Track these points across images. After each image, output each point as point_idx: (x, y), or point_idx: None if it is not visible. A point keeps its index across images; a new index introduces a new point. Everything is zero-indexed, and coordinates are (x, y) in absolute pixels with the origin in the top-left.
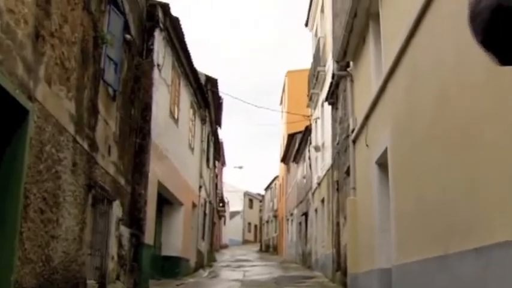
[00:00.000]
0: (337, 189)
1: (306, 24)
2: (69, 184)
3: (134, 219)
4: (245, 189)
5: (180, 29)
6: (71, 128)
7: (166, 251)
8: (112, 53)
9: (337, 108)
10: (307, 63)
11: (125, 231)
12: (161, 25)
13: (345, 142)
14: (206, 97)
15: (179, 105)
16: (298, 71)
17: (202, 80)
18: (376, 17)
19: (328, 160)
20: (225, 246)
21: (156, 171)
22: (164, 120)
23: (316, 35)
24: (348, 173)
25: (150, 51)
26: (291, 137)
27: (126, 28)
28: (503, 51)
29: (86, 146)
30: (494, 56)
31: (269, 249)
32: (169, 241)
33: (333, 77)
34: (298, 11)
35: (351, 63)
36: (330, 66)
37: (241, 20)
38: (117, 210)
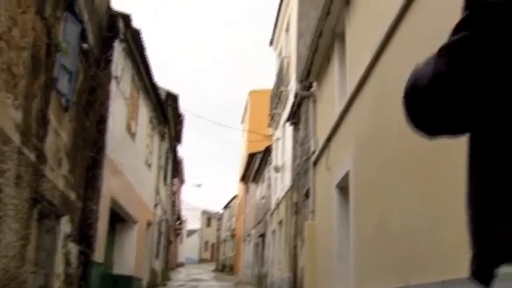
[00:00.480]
0: (296, 212)
1: (271, 43)
2: (11, 198)
3: (84, 236)
4: (204, 207)
5: (141, 41)
6: (16, 138)
7: (118, 270)
8: (67, 61)
9: (298, 129)
10: (270, 83)
11: (74, 248)
12: (121, 36)
13: (305, 164)
14: (166, 113)
15: (137, 119)
16: (261, 91)
17: (163, 95)
18: (342, 36)
19: (288, 181)
20: (181, 265)
21: (109, 186)
22: (120, 135)
23: (280, 54)
24: (307, 195)
25: (108, 62)
26: (251, 157)
27: (83, 37)
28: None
29: (32, 157)
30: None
31: (225, 268)
32: (122, 259)
33: (295, 97)
34: (265, 30)
35: (315, 83)
36: (293, 87)
37: (207, 38)
38: (65, 226)
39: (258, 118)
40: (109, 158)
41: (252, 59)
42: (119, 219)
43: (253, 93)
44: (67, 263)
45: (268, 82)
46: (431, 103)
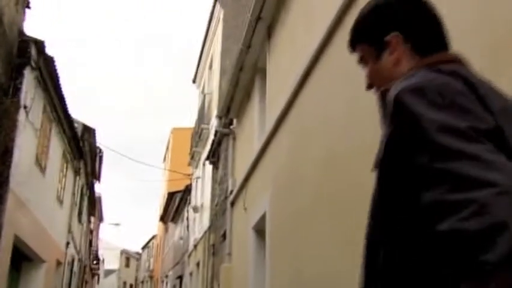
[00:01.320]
0: (213, 254)
1: (194, 81)
2: None
3: None
4: (122, 247)
5: (55, 69)
6: None
7: None
8: None
9: (217, 168)
10: (193, 121)
11: None
12: (33, 63)
13: (223, 204)
14: (81, 147)
15: (48, 153)
16: (184, 129)
17: (79, 129)
18: (263, 72)
19: (206, 222)
20: None
21: (13, 222)
22: (28, 168)
23: (203, 91)
24: (224, 237)
25: (17, 90)
26: (170, 196)
27: None
28: None
29: None
30: None
31: None
32: None
33: (215, 135)
34: (190, 67)
35: (235, 120)
36: (213, 124)
37: (132, 75)
38: None
39: (179, 156)
40: (14, 192)
41: (176, 97)
42: (24, 258)
43: (176, 131)
44: None
45: (191, 121)
46: None
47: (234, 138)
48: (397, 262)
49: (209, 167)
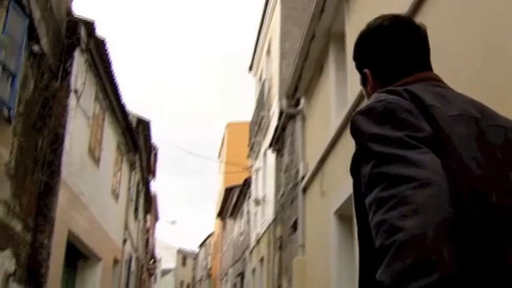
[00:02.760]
0: (280, 247)
1: (250, 69)
2: None
3: (33, 275)
4: (179, 246)
5: (107, 53)
6: None
7: None
8: (10, 61)
9: (282, 155)
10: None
11: None
12: (83, 45)
13: (291, 192)
14: (136, 140)
15: (102, 143)
16: (239, 124)
17: (134, 121)
18: (339, 37)
19: (270, 215)
20: None
21: (66, 217)
22: (81, 158)
23: (260, 79)
24: (295, 227)
25: (67, 73)
26: (228, 191)
27: (32, 36)
28: None
29: None
30: None
31: None
32: None
33: (279, 119)
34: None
35: (302, 100)
36: (275, 111)
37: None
38: (6, 262)
39: (235, 151)
40: (65, 184)
41: (229, 91)
42: (80, 256)
43: (231, 126)
44: None
45: (245, 115)
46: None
47: (304, 119)
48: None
49: (271, 156)
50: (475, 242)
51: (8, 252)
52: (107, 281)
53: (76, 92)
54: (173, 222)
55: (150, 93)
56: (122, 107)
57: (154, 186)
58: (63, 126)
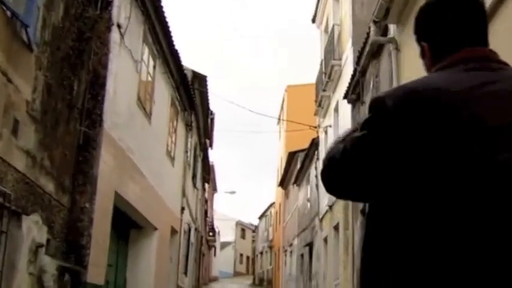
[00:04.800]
0: (362, 211)
1: (313, 21)
2: None
3: (72, 246)
4: (237, 218)
5: None
6: None
7: None
8: None
9: (363, 103)
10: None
11: (52, 264)
12: None
13: None
14: (192, 96)
15: (153, 95)
16: (299, 86)
17: (189, 76)
18: None
19: None
20: (215, 279)
21: (112, 177)
22: (129, 109)
23: (326, 28)
24: None
25: (108, 3)
26: (291, 156)
27: None
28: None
29: None
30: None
31: (263, 283)
32: (137, 278)
33: (357, 62)
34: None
35: (392, 28)
36: (348, 57)
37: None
38: (33, 230)
39: (296, 116)
40: (109, 137)
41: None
42: (132, 224)
43: (290, 88)
44: (40, 287)
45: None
46: (339, 175)
47: (397, 49)
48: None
49: (346, 109)
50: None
51: (36, 217)
52: (163, 253)
53: (119, 26)
54: (232, 193)
55: (203, 60)
56: (175, 55)
57: (212, 155)
58: (105, 66)
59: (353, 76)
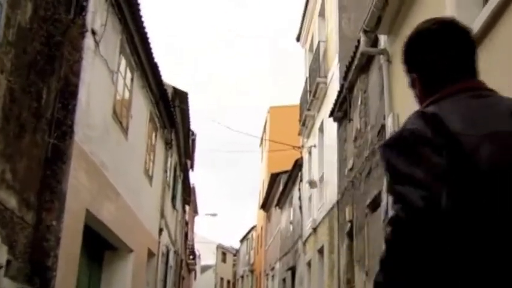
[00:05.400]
0: (349, 234)
1: (298, 39)
2: None
3: (37, 267)
4: (218, 241)
5: None
6: None
7: None
8: None
9: (350, 120)
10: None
11: (12, 287)
12: None
13: (367, 162)
14: (173, 113)
15: (130, 109)
16: (282, 107)
17: (169, 92)
18: None
19: (332, 196)
20: None
21: (82, 193)
22: (103, 122)
23: (311, 48)
24: (373, 206)
25: (82, 8)
26: (274, 177)
27: None
28: None
29: None
30: None
31: None
32: None
33: (344, 78)
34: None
35: (383, 39)
36: (334, 74)
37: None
38: None
39: (279, 137)
40: (81, 150)
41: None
42: (106, 246)
43: (273, 110)
44: None
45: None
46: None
47: (389, 61)
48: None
49: (331, 128)
50: None
51: None
52: (139, 276)
53: (94, 33)
54: (213, 215)
55: (183, 74)
56: (154, 69)
57: (193, 177)
58: (77, 74)
59: (339, 92)
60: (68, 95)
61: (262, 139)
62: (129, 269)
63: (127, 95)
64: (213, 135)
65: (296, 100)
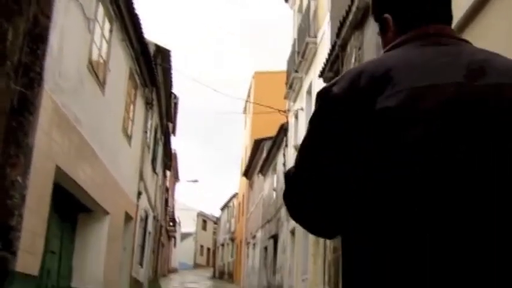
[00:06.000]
0: None
1: (286, 0)
2: None
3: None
4: (199, 209)
5: None
6: None
7: (78, 283)
8: None
9: None
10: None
11: None
12: None
13: None
14: (154, 71)
15: (108, 63)
16: (268, 73)
17: (151, 50)
18: None
19: None
20: (174, 271)
21: (53, 149)
22: (78, 72)
23: (300, 9)
24: None
25: None
26: (257, 144)
27: None
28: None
29: None
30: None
31: (224, 275)
32: (85, 267)
33: (337, 34)
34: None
35: None
36: (325, 33)
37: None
38: None
39: (264, 103)
40: (51, 101)
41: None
42: (80, 207)
43: (258, 75)
44: None
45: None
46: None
47: None
48: None
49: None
50: None
51: None
52: (116, 240)
53: None
54: (194, 181)
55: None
56: (135, 21)
57: (174, 144)
58: (48, 16)
59: (331, 51)
60: (37, 38)
61: (246, 105)
62: (104, 232)
63: (105, 46)
64: (196, 98)
65: (282, 66)
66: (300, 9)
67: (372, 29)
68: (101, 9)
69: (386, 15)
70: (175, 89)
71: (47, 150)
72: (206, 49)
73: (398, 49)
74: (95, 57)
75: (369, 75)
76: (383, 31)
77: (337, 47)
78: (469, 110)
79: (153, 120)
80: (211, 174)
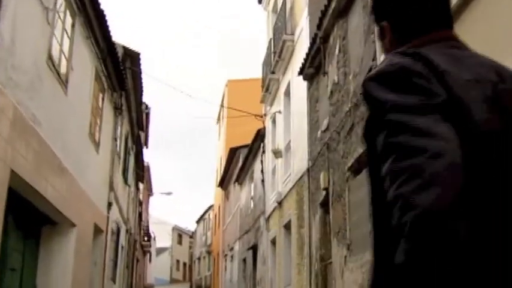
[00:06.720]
0: (323, 204)
1: (260, 1)
2: None
3: None
4: (174, 223)
5: None
6: None
7: None
8: None
9: (325, 74)
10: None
11: None
12: None
13: (347, 119)
14: (122, 73)
15: (71, 61)
16: (241, 81)
17: (120, 53)
18: None
19: (301, 165)
20: (150, 287)
21: (6, 150)
22: (35, 67)
23: (274, 9)
24: (358, 168)
25: None
26: (233, 152)
27: None
28: None
29: None
30: None
31: None
32: (51, 285)
33: (318, 28)
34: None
35: None
36: (303, 29)
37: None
38: None
39: (237, 112)
40: (3, 96)
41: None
42: (43, 219)
43: (232, 83)
44: None
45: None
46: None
47: None
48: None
49: (300, 89)
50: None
51: None
52: (84, 255)
53: None
54: (168, 194)
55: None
56: (100, 17)
57: (147, 157)
58: None
59: (312, 44)
60: None
61: (219, 115)
62: (71, 245)
63: (67, 42)
64: (170, 108)
65: (256, 74)
66: (274, 9)
67: (358, 14)
68: (61, 0)
69: (384, 23)
70: (146, 94)
71: (2, 151)
72: (183, 42)
73: (424, 48)
74: (55, 53)
75: (422, 67)
76: (381, 37)
77: (318, 40)
78: (505, 107)
79: (123, 128)
80: (186, 188)
